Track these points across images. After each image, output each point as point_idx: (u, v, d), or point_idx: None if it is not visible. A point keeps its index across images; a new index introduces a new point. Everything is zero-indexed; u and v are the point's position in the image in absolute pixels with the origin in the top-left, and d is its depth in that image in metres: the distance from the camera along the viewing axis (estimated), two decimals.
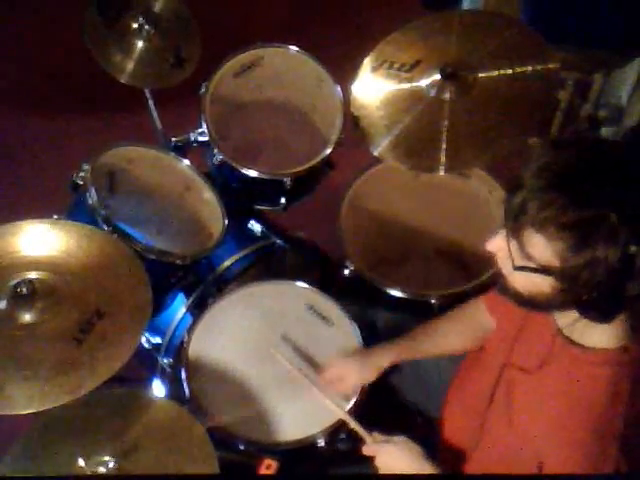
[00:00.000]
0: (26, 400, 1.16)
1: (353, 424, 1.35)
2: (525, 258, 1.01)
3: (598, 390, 1.06)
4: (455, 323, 1.46)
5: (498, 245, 1.07)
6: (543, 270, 0.99)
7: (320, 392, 1.41)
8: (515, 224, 1.00)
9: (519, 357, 1.22)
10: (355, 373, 1.44)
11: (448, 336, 1.46)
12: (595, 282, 0.95)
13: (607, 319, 1.02)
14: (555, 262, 0.97)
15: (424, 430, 1.49)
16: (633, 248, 0.91)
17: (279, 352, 1.48)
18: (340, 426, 1.41)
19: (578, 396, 1.07)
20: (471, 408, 1.30)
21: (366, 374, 1.44)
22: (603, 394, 1.06)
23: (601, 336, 1.07)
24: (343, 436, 1.43)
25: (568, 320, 1.09)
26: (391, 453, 1.25)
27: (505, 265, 1.08)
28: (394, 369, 1.59)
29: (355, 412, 1.42)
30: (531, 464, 1.10)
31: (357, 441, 1.35)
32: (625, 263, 0.92)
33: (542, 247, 0.98)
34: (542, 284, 1.02)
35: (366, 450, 1.29)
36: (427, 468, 1.22)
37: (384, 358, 1.44)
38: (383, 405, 1.57)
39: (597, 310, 1.01)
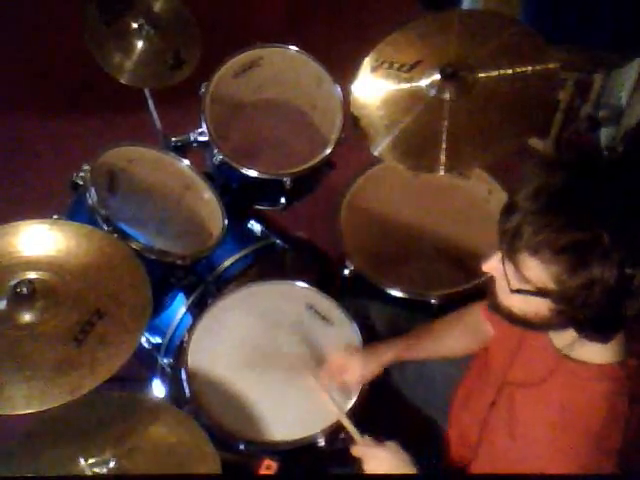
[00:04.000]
0: (26, 400, 1.16)
1: (347, 423, 1.35)
2: (522, 281, 1.01)
3: (596, 405, 1.06)
4: (453, 327, 1.47)
5: (494, 267, 1.07)
6: (540, 293, 1.00)
7: (321, 389, 1.40)
8: (510, 248, 1.00)
9: (518, 373, 1.21)
10: (358, 366, 1.43)
11: (446, 339, 1.46)
12: (592, 303, 0.95)
13: (605, 339, 1.02)
14: (552, 285, 0.97)
15: (425, 433, 1.49)
16: (629, 270, 0.91)
17: (288, 348, 1.50)
18: (340, 426, 1.41)
19: (576, 410, 1.07)
20: (475, 419, 1.30)
21: (369, 368, 1.43)
22: (601, 409, 1.05)
23: (598, 352, 1.06)
24: (343, 436, 1.42)
25: (565, 338, 1.09)
26: (378, 457, 1.26)
27: (500, 286, 1.08)
28: (397, 370, 1.60)
29: (355, 413, 1.42)
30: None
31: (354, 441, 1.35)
32: (622, 283, 0.92)
33: (538, 270, 0.98)
34: (539, 306, 1.02)
35: (355, 451, 1.29)
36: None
37: (387, 355, 1.44)
38: (384, 407, 1.57)
39: (595, 330, 1.01)
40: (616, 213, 0.93)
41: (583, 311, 0.98)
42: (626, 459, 1.04)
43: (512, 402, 1.20)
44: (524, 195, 0.98)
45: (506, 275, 1.03)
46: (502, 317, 1.11)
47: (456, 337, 1.46)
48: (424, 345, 1.46)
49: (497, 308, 1.11)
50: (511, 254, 1.00)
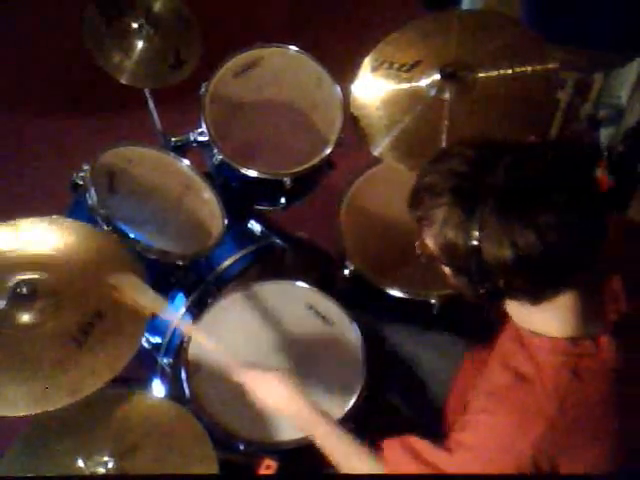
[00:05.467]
0: (26, 402, 1.16)
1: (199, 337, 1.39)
2: (424, 246, 1.10)
3: (542, 372, 1.06)
4: None
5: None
6: (430, 256, 1.09)
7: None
8: (413, 219, 1.09)
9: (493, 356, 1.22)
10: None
11: None
12: (461, 269, 1.03)
13: (490, 305, 1.10)
14: (436, 249, 1.06)
15: (422, 433, 1.49)
16: (476, 234, 0.97)
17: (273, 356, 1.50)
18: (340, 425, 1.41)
19: (521, 373, 1.08)
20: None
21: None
22: (544, 377, 1.06)
23: (550, 324, 1.08)
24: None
25: (520, 311, 1.11)
26: (267, 382, 1.27)
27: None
28: (394, 370, 1.60)
29: (353, 414, 1.42)
30: None
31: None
32: (474, 252, 0.98)
33: (426, 237, 1.07)
34: (449, 274, 1.10)
35: (239, 377, 1.29)
36: (301, 402, 1.25)
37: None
38: (383, 405, 1.57)
39: (482, 298, 1.06)
40: (467, 186, 1.00)
41: (462, 278, 1.05)
42: (569, 430, 1.05)
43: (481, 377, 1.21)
44: (422, 175, 1.08)
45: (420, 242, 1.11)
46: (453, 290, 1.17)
47: None
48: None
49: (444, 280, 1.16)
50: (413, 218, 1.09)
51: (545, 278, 1.02)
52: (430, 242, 1.07)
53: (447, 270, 1.10)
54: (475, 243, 0.98)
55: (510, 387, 1.08)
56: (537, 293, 1.04)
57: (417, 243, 1.12)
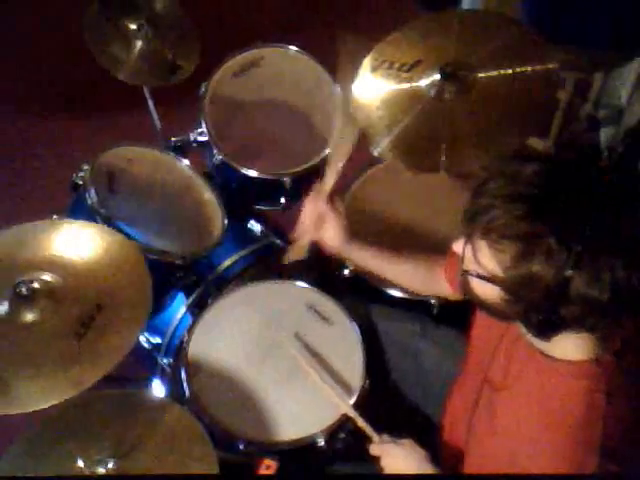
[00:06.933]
0: (31, 398, 1.16)
1: (361, 422, 1.35)
2: (475, 264, 1.03)
3: (574, 401, 1.05)
4: (412, 263, 1.51)
5: (460, 247, 1.09)
6: (486, 278, 1.02)
7: (330, 390, 1.40)
8: (469, 229, 1.03)
9: (496, 375, 1.21)
10: (335, 230, 1.49)
11: (400, 267, 1.51)
12: (532, 298, 0.97)
13: (545, 337, 1.04)
14: (499, 273, 0.99)
15: (423, 431, 1.49)
16: (569, 272, 0.93)
17: (292, 346, 1.49)
18: (340, 425, 1.41)
19: (555, 408, 1.07)
20: (464, 415, 1.30)
21: (337, 238, 1.50)
22: (579, 406, 1.05)
23: (573, 349, 1.07)
24: (343, 436, 1.43)
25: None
26: (397, 455, 1.26)
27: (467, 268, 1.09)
28: (395, 369, 1.60)
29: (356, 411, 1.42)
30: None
31: (358, 440, 1.34)
32: (559, 284, 0.94)
33: (487, 255, 1.00)
34: (492, 293, 1.04)
35: (373, 450, 1.29)
36: (430, 471, 1.22)
37: (353, 247, 1.52)
38: (383, 405, 1.57)
39: (535, 327, 1.03)
40: (568, 214, 0.94)
41: (527, 306, 1.00)
42: (616, 453, 1.04)
43: (491, 403, 1.20)
44: (493, 180, 1.01)
45: (463, 256, 1.06)
46: (471, 299, 1.12)
47: (407, 271, 1.51)
48: (378, 261, 1.52)
49: (467, 290, 1.12)
50: (469, 235, 1.03)
51: (621, 315, 0.99)
52: (492, 264, 1.00)
53: (500, 294, 1.03)
54: (567, 275, 0.93)
55: (552, 429, 1.07)
56: (599, 327, 1.01)
57: (468, 255, 1.04)
